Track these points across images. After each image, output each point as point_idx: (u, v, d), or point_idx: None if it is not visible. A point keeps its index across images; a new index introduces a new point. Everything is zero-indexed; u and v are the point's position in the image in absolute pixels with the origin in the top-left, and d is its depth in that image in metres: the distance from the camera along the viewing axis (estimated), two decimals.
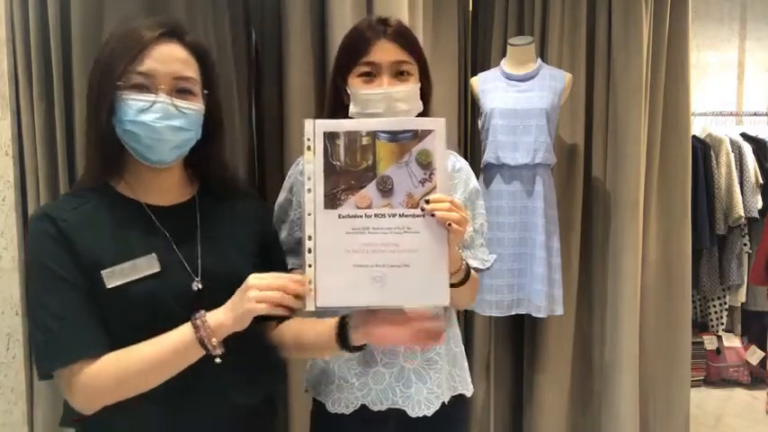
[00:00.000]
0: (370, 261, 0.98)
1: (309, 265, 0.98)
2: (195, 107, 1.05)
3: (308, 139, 0.98)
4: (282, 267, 1.23)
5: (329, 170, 0.98)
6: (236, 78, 2.06)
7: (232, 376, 1.05)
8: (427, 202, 0.97)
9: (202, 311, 0.98)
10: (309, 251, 0.98)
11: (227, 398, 1.06)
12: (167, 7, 1.88)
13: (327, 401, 1.28)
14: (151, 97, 1.00)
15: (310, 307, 0.98)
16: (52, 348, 0.96)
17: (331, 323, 1.09)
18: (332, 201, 0.99)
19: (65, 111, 1.89)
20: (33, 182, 1.91)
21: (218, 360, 0.98)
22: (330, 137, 0.98)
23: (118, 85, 1.00)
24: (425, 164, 0.99)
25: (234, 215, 1.15)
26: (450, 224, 0.97)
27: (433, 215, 0.97)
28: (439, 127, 0.99)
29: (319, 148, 0.98)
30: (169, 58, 1.03)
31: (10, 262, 1.94)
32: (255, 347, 1.10)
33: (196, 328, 0.96)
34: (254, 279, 0.96)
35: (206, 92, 1.08)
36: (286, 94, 2.06)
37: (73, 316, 0.97)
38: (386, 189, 0.99)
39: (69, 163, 1.90)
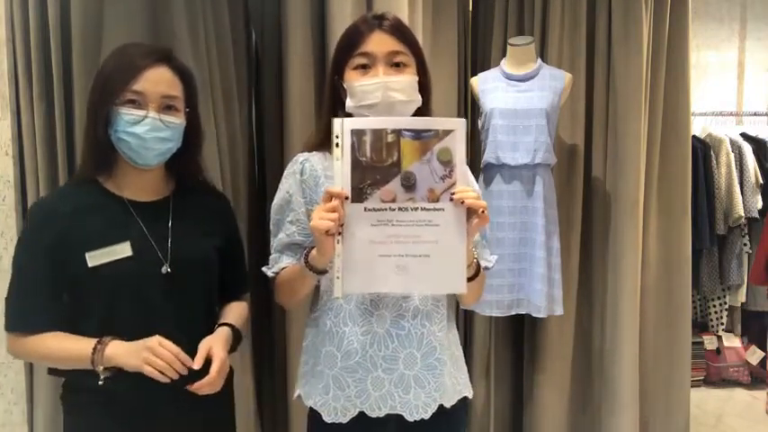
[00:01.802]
0: (393, 251, 1.06)
1: (338, 255, 1.05)
2: (178, 121, 1.24)
3: (337, 137, 1.04)
4: (240, 262, 1.43)
5: (356, 166, 1.05)
6: (236, 78, 2.06)
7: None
8: (453, 194, 1.04)
9: (110, 338, 1.16)
10: (338, 242, 1.05)
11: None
12: (168, 7, 1.88)
13: (324, 411, 1.25)
14: (143, 113, 1.19)
15: (338, 293, 1.07)
16: (9, 314, 1.21)
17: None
18: (358, 194, 1.05)
19: (65, 111, 1.89)
20: (33, 182, 1.91)
21: (100, 382, 1.14)
22: (357, 134, 1.04)
23: (114, 101, 1.18)
24: (446, 161, 1.05)
25: (203, 211, 1.34)
26: (483, 211, 1.05)
27: (462, 202, 1.04)
28: (459, 127, 1.05)
29: (347, 145, 1.04)
30: (158, 79, 1.21)
31: (10, 262, 1.94)
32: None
33: (94, 350, 1.14)
34: (156, 343, 1.13)
35: (188, 109, 1.27)
36: (286, 93, 2.06)
37: (32, 295, 1.19)
38: (409, 184, 1.05)
39: (69, 163, 1.90)
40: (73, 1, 1.83)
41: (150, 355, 1.11)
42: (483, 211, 1.06)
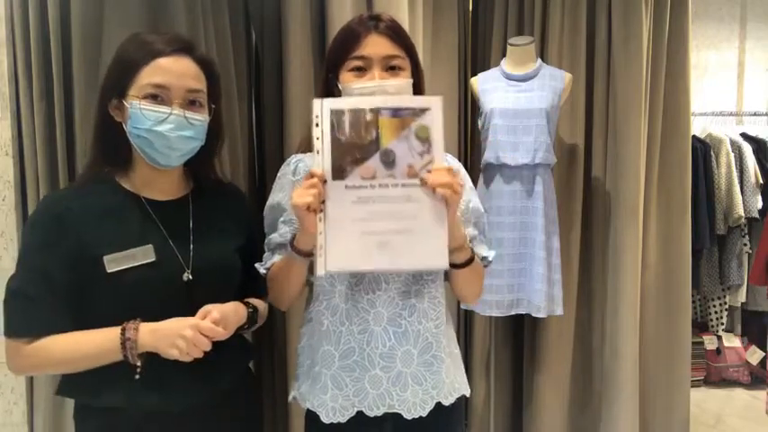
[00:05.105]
0: (375, 228, 1.07)
1: (320, 233, 1.06)
2: (202, 118, 1.16)
3: (317, 116, 1.06)
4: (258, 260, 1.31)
5: (336, 144, 1.06)
6: (236, 78, 2.06)
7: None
8: (429, 172, 1.05)
9: (135, 322, 1.06)
10: (320, 219, 1.06)
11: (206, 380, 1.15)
12: (167, 7, 1.88)
13: (322, 412, 1.24)
14: (167, 110, 1.10)
15: (320, 271, 1.06)
16: (10, 316, 1.08)
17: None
18: (339, 172, 1.06)
19: (65, 111, 1.88)
20: (33, 182, 1.91)
21: (137, 377, 1.06)
22: (336, 114, 1.06)
23: (134, 94, 1.10)
24: (424, 138, 1.07)
25: (224, 211, 1.27)
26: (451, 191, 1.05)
27: (434, 190, 1.04)
28: (435, 104, 1.07)
29: (326, 125, 1.06)
30: (183, 72, 1.13)
31: (10, 262, 1.95)
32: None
33: (124, 336, 1.05)
34: (190, 330, 1.05)
35: (213, 106, 1.19)
36: (286, 93, 2.06)
37: (35, 296, 1.07)
38: (388, 161, 1.07)
39: (69, 163, 1.90)
40: (73, 1, 1.83)
41: (185, 343, 1.04)
42: (448, 191, 1.05)
